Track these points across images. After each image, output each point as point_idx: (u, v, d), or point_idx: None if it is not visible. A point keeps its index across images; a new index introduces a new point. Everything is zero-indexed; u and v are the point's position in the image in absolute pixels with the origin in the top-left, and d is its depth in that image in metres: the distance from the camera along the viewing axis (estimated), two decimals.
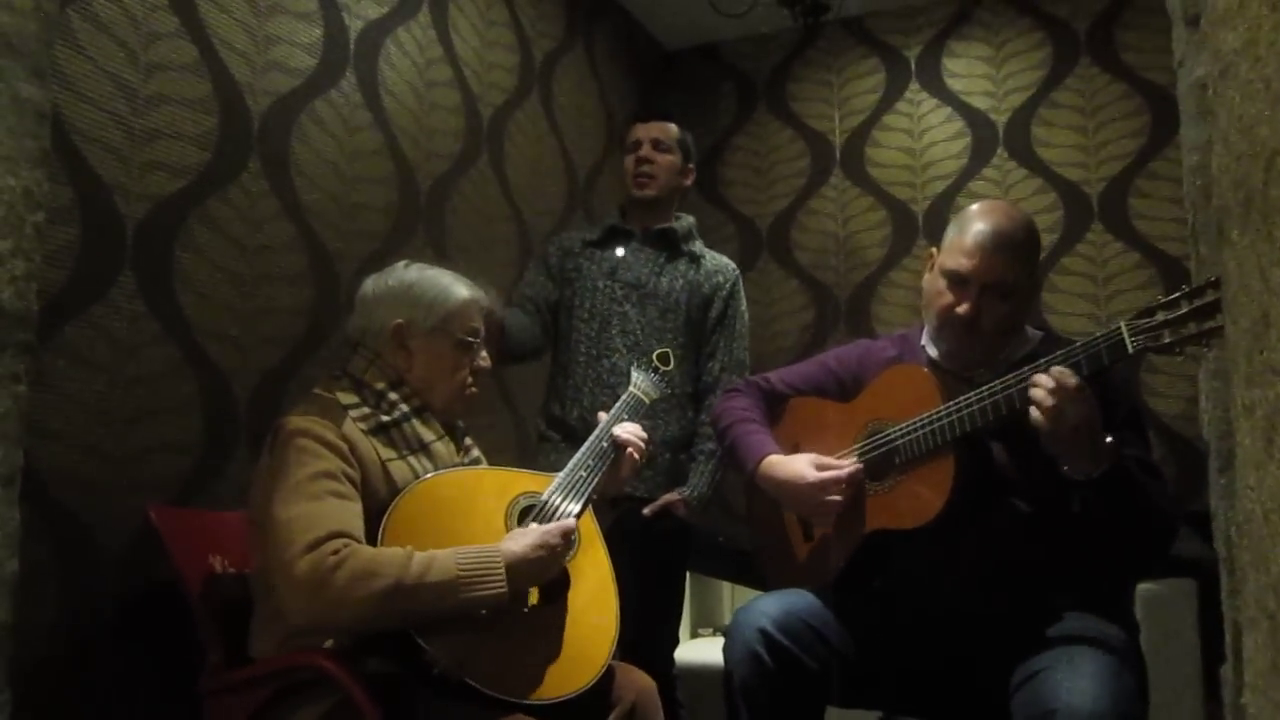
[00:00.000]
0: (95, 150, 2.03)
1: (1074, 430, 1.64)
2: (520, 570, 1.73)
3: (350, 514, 1.70)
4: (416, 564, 1.63)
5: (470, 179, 3.29)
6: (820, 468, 1.97)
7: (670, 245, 2.85)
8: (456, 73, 3.26)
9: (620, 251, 2.83)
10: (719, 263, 2.89)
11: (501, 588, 1.68)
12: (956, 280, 1.89)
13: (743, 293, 2.90)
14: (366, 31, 2.85)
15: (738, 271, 2.91)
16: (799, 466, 1.99)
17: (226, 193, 2.34)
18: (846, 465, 1.96)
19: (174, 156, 2.21)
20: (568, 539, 1.85)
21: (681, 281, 2.80)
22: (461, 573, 1.65)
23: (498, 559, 1.70)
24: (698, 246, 2.89)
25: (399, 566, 1.61)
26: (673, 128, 2.89)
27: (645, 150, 2.83)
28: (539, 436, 2.86)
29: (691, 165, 2.94)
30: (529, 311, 2.81)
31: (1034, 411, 1.67)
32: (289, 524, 1.64)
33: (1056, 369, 1.66)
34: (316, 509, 1.66)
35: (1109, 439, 1.69)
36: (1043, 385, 1.66)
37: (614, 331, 2.74)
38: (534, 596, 1.81)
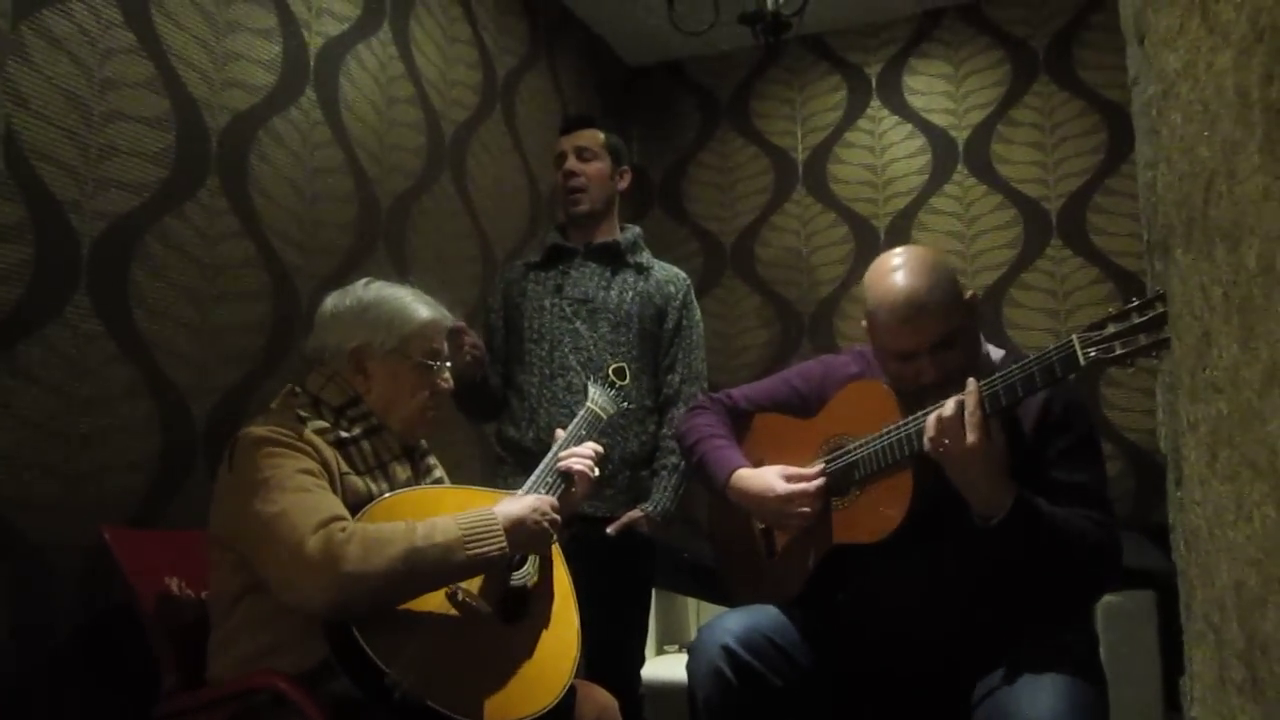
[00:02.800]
0: (49, 167, 2.01)
1: (957, 465, 1.68)
2: (517, 533, 1.76)
3: (338, 502, 1.71)
4: (421, 529, 1.66)
5: (432, 196, 3.28)
6: (789, 479, 1.97)
7: (615, 258, 2.80)
8: (418, 90, 3.25)
9: (566, 270, 2.80)
10: (669, 273, 2.84)
11: (503, 544, 1.72)
12: (903, 358, 1.87)
13: (695, 301, 2.86)
14: (327, 48, 2.84)
15: (689, 281, 2.87)
16: (769, 479, 1.99)
17: (184, 210, 2.32)
18: (814, 476, 1.96)
19: (130, 174, 2.19)
20: (556, 512, 1.89)
21: (631, 294, 2.75)
22: (464, 532, 1.69)
23: (495, 519, 1.74)
24: (645, 257, 2.84)
25: (405, 533, 1.64)
26: (598, 133, 2.84)
27: (571, 162, 2.78)
28: (497, 458, 2.82)
29: (624, 168, 2.88)
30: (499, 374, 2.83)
31: (928, 426, 1.71)
32: (286, 514, 1.63)
33: (968, 397, 1.68)
34: (308, 498, 1.66)
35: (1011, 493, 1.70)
36: (935, 414, 1.70)
37: (566, 350, 2.70)
38: (493, 617, 1.80)
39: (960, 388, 1.83)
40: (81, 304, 2.06)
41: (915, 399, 1.91)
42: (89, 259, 2.08)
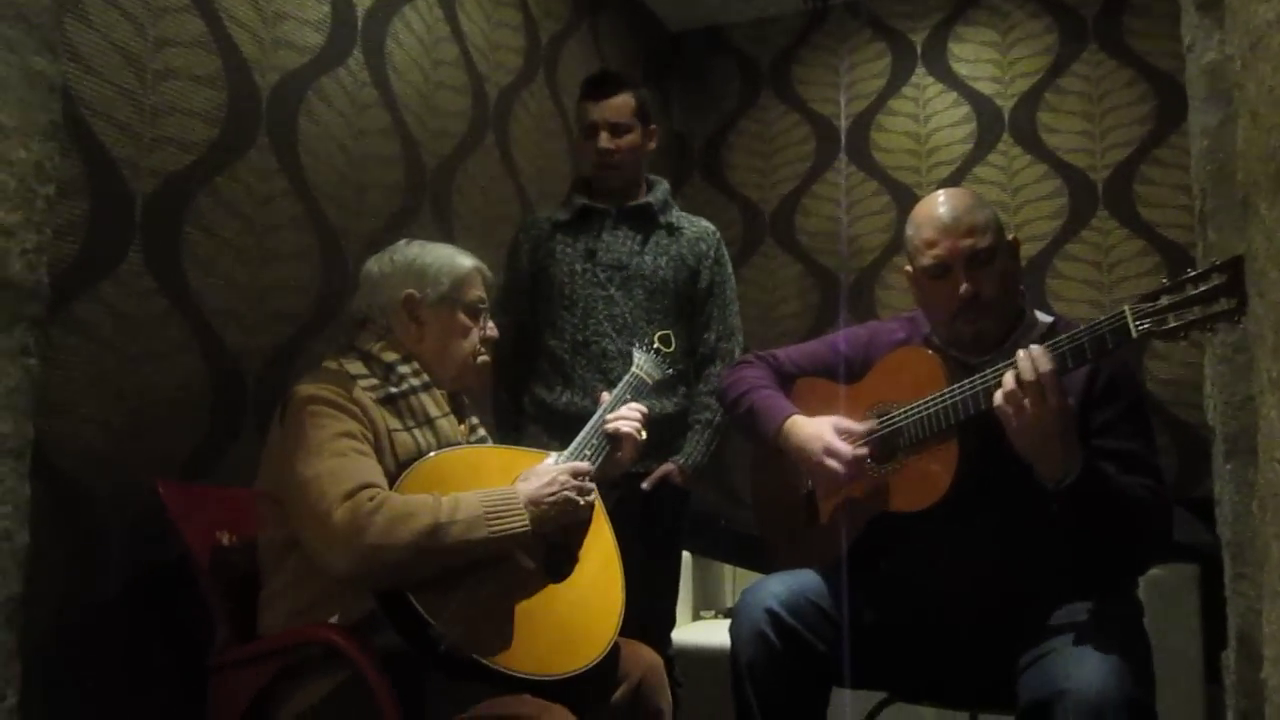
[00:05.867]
0: (104, 124, 2.02)
1: (1035, 429, 1.64)
2: (537, 510, 1.78)
3: (375, 468, 1.74)
4: (446, 504, 1.68)
5: (476, 159, 3.28)
6: (840, 432, 1.97)
7: (648, 221, 2.76)
8: (463, 52, 3.25)
9: (597, 234, 2.75)
10: (699, 229, 2.80)
11: (525, 523, 1.74)
12: (939, 272, 1.89)
13: (727, 256, 2.83)
14: (374, 9, 2.83)
15: (719, 235, 2.83)
16: (820, 426, 2.00)
17: (235, 169, 2.33)
18: (861, 436, 1.96)
19: (183, 132, 2.20)
20: (580, 479, 1.89)
21: (665, 258, 2.72)
22: (487, 509, 1.70)
23: (516, 497, 1.76)
24: (675, 215, 2.80)
25: (432, 507, 1.66)
26: (629, 99, 2.73)
27: (604, 140, 2.69)
28: (529, 418, 2.78)
29: (653, 127, 2.80)
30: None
31: (997, 398, 1.67)
32: (318, 480, 1.66)
33: (1023, 364, 1.66)
34: (343, 464, 1.69)
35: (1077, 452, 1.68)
36: (1007, 380, 1.66)
37: (600, 317, 2.68)
38: (539, 572, 1.81)
39: (997, 324, 1.90)
40: (135, 261, 2.08)
41: (962, 365, 1.90)
42: (142, 216, 2.10)
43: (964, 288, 1.86)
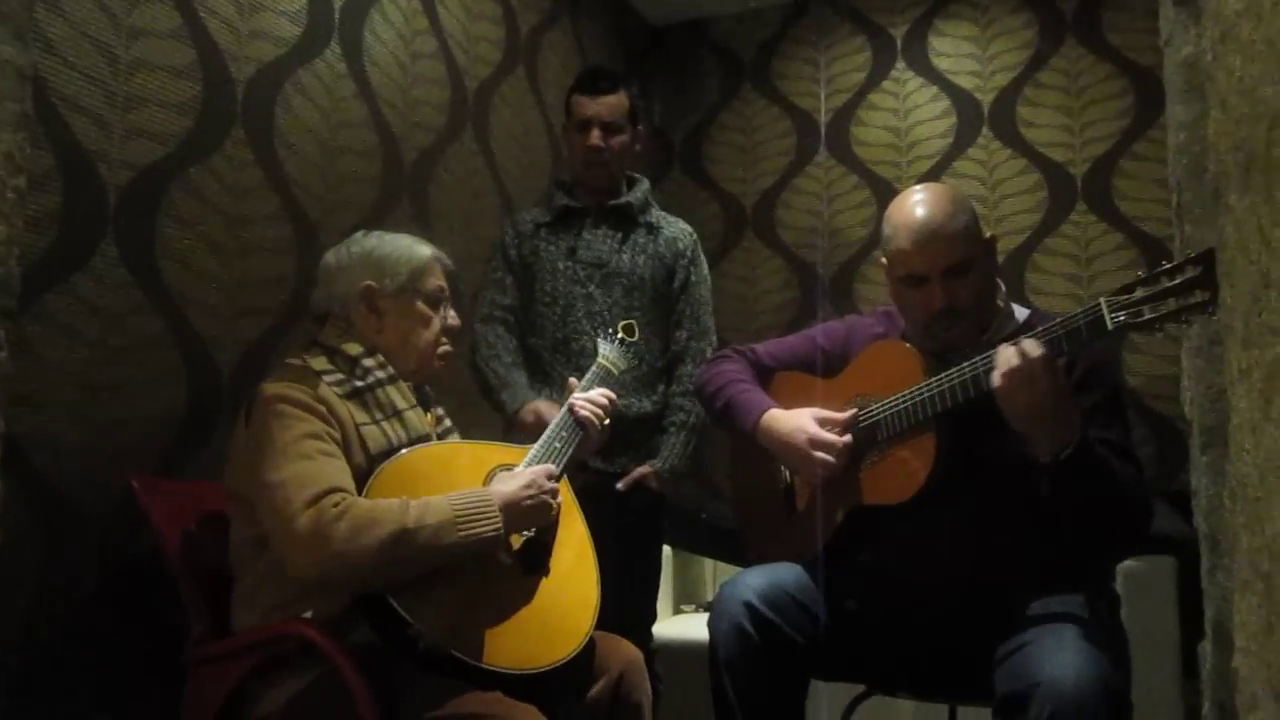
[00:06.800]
0: (77, 116, 2.00)
1: (1034, 405, 1.64)
2: (512, 512, 1.77)
3: (341, 471, 1.72)
4: (414, 509, 1.66)
5: (455, 152, 3.27)
6: (822, 422, 1.97)
7: (627, 219, 2.77)
8: (442, 45, 3.23)
9: (578, 232, 2.74)
10: (676, 229, 2.82)
11: (498, 526, 1.72)
12: (915, 282, 1.88)
13: (702, 257, 2.85)
14: (351, 1, 2.82)
15: (694, 236, 2.85)
16: (801, 419, 1.99)
17: (210, 161, 2.32)
18: (846, 423, 1.95)
19: (157, 124, 2.18)
20: (552, 481, 1.89)
21: (644, 256, 2.73)
22: (457, 513, 1.68)
23: (491, 499, 1.75)
24: (654, 215, 2.81)
25: (398, 513, 1.64)
26: (623, 99, 2.74)
27: (595, 138, 2.69)
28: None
29: (641, 128, 2.81)
30: (511, 327, 2.74)
31: (995, 378, 1.67)
32: (284, 485, 1.65)
33: (1026, 343, 1.66)
34: (309, 467, 1.67)
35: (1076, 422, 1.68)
36: (1001, 357, 1.66)
37: (580, 314, 2.68)
38: (514, 567, 1.81)
39: (973, 327, 1.87)
40: (108, 253, 2.06)
41: (940, 359, 1.90)
42: (116, 208, 2.08)
43: (940, 299, 1.85)
